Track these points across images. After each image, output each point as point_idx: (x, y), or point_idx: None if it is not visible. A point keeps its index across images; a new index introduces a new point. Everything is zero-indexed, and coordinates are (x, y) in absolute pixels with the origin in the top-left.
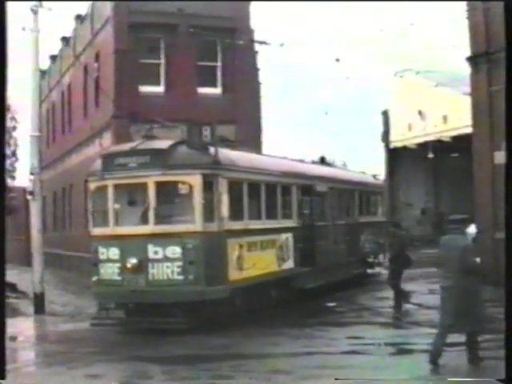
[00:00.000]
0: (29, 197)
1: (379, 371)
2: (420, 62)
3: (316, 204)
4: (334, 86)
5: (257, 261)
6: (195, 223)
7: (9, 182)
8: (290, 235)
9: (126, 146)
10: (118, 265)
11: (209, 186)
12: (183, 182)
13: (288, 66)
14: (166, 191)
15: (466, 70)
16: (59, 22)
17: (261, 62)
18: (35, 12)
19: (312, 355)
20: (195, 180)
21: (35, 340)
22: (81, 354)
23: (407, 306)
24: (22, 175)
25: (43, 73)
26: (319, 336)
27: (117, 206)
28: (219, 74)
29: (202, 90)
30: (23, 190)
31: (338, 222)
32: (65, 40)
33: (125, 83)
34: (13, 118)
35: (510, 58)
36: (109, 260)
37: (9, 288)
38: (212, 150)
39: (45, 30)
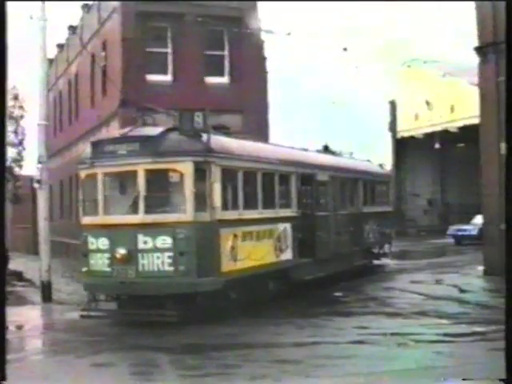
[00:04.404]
0: (36, 185)
1: (386, 361)
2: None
3: (317, 193)
4: (341, 75)
5: (252, 251)
6: (186, 213)
7: (16, 170)
8: (288, 225)
9: (116, 133)
10: (108, 255)
11: (201, 174)
12: (174, 170)
13: (295, 55)
14: (157, 179)
15: (473, 59)
16: (66, 11)
17: (268, 51)
18: (42, 1)
19: (318, 345)
20: (186, 168)
21: (42, 328)
22: (88, 343)
23: (414, 297)
24: (30, 164)
25: (50, 61)
26: (325, 326)
27: (103, 194)
28: (226, 63)
29: (209, 79)
30: (30, 179)
31: (340, 211)
32: (72, 29)
33: (132, 72)
34: (20, 107)
35: (510, 58)
36: (98, 250)
37: (16, 276)
38: (204, 136)
39: (52, 19)
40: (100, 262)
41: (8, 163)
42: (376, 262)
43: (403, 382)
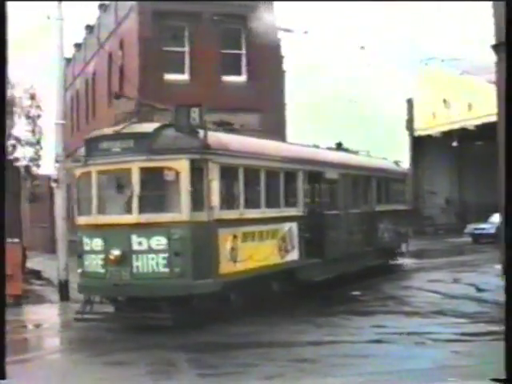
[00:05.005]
0: (53, 184)
1: (403, 361)
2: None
3: (326, 192)
4: (358, 73)
5: (254, 252)
6: (182, 212)
7: (33, 169)
8: (294, 225)
9: (110, 130)
10: (102, 256)
11: (197, 171)
12: (169, 168)
13: (312, 53)
14: (152, 178)
15: (491, 57)
16: (83, 11)
17: (285, 49)
18: (59, 0)
19: (336, 344)
20: (182, 165)
21: (60, 327)
22: (105, 342)
23: (432, 295)
24: (47, 163)
25: (68, 61)
26: (343, 325)
27: (97, 193)
28: (243, 61)
29: (227, 78)
30: (48, 178)
31: (352, 210)
32: (89, 28)
33: (149, 71)
34: (37, 107)
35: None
36: (92, 251)
37: (34, 275)
38: (201, 133)
39: (69, 19)
40: (94, 264)
41: (25, 162)
42: (392, 261)
43: (420, 382)
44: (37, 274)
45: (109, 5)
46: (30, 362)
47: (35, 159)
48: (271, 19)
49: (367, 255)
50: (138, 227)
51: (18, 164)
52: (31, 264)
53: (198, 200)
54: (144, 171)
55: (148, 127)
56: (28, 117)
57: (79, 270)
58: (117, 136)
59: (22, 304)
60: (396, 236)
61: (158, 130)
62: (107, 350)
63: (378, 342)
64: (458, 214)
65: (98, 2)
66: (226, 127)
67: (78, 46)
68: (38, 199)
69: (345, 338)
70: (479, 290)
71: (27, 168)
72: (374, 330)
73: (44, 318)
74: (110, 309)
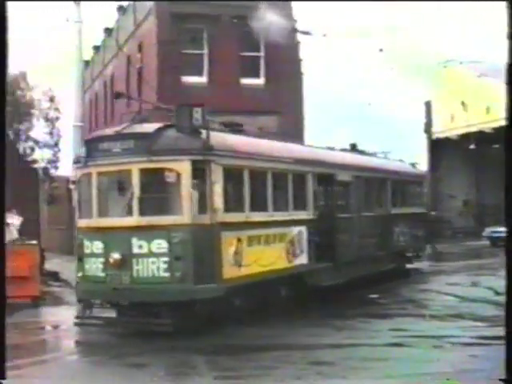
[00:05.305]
0: (71, 186)
1: (422, 364)
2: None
3: (338, 194)
4: (376, 76)
5: (260, 256)
6: (183, 215)
7: (52, 171)
8: (303, 228)
9: (111, 130)
10: (102, 260)
11: (200, 173)
12: (170, 169)
13: (330, 55)
14: (153, 179)
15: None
16: (102, 13)
17: (303, 52)
18: (78, 4)
19: (355, 347)
20: (183, 167)
21: (78, 329)
22: (123, 344)
23: (450, 299)
24: (65, 165)
25: (86, 63)
26: (362, 328)
27: (97, 195)
28: (262, 64)
29: (245, 81)
30: (66, 180)
31: (365, 213)
32: (107, 31)
33: (167, 73)
34: (56, 109)
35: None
36: (93, 254)
37: (52, 277)
38: (204, 133)
39: (88, 22)
40: (94, 267)
41: (44, 164)
42: (409, 265)
43: None
44: (55, 276)
45: (127, 7)
46: (48, 363)
47: (53, 161)
48: (290, 22)
49: (381, 259)
50: (139, 230)
51: (36, 166)
52: (49, 265)
53: (201, 202)
54: (144, 172)
55: (149, 127)
56: (46, 119)
57: (79, 274)
58: (117, 136)
59: (40, 305)
60: (412, 239)
61: (158, 131)
62: (125, 352)
63: (397, 345)
64: (476, 217)
65: (117, 5)
66: (235, 128)
67: (96, 48)
68: (56, 201)
69: (364, 341)
70: (497, 293)
71: (45, 170)
72: (393, 333)
73: (62, 320)
74: (112, 313)
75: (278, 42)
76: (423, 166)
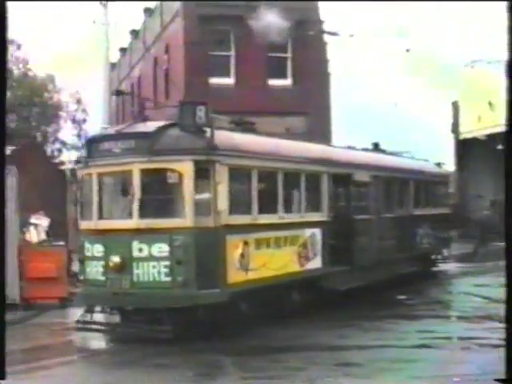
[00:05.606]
0: (74, 187)
1: (450, 366)
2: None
3: (356, 195)
4: (403, 76)
5: (269, 260)
6: (185, 217)
7: None
8: (317, 230)
9: (112, 130)
10: (102, 263)
11: (203, 174)
12: (172, 170)
13: (357, 56)
14: (154, 180)
15: None
16: (128, 15)
17: (330, 52)
18: (105, 6)
19: (383, 348)
20: (185, 167)
21: None
22: (149, 344)
23: (478, 300)
24: None
25: (113, 65)
26: (390, 329)
27: (98, 197)
28: (289, 65)
29: (272, 82)
30: None
31: (385, 214)
32: (134, 33)
33: (195, 75)
34: (83, 111)
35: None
36: (93, 258)
37: (75, 277)
38: (208, 132)
39: (115, 24)
40: (94, 271)
41: (71, 166)
42: (433, 267)
43: None
44: (77, 277)
45: (154, 9)
46: (76, 363)
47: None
48: (317, 22)
49: (402, 262)
50: (139, 233)
51: (63, 167)
52: (76, 267)
53: (204, 204)
54: (145, 173)
55: (150, 126)
56: (74, 121)
57: (81, 277)
58: (118, 136)
59: (67, 306)
60: (437, 241)
61: (160, 130)
62: (152, 353)
63: (425, 346)
64: (502, 217)
65: (144, 7)
66: (246, 126)
67: (123, 50)
68: None
69: (392, 342)
70: None
71: (73, 171)
72: (421, 334)
73: None
74: (111, 319)
75: (305, 42)
76: (450, 166)
